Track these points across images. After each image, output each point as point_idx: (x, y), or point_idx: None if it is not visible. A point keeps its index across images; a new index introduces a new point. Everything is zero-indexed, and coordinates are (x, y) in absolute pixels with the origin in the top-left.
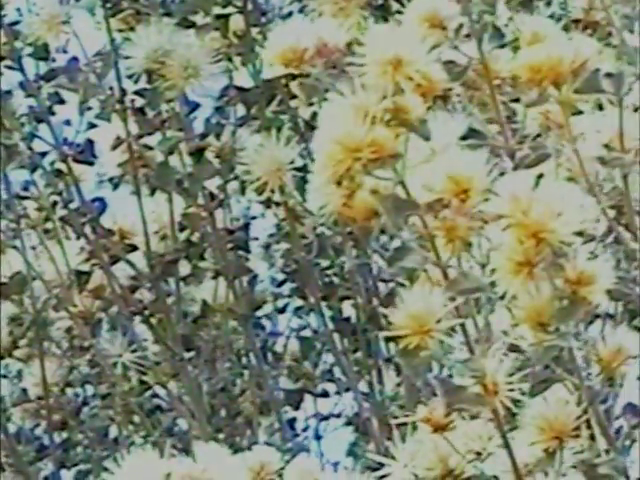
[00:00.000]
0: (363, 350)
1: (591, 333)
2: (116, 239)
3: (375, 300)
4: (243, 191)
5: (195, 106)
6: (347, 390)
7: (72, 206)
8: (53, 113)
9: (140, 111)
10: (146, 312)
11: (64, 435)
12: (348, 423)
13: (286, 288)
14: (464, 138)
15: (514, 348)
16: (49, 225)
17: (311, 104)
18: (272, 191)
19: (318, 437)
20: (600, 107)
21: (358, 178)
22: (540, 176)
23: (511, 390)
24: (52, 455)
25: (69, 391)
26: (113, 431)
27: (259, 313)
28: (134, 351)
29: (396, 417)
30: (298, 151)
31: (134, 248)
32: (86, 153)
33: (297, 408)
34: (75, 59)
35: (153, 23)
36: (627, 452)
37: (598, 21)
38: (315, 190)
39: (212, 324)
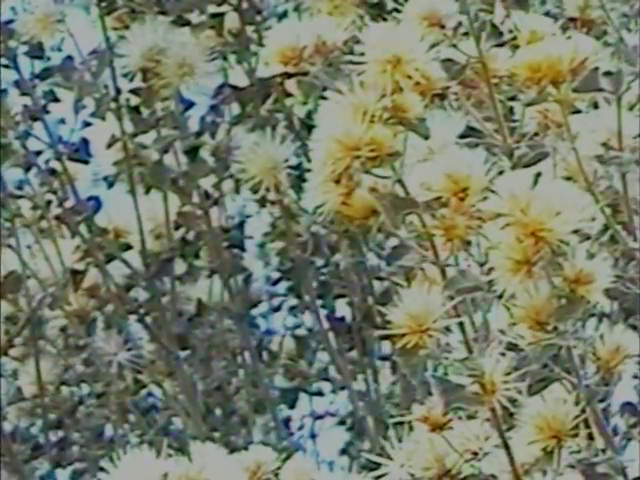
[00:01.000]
0: (358, 349)
1: (588, 332)
2: (111, 238)
3: (370, 299)
4: (238, 189)
5: (190, 104)
6: (342, 389)
7: (67, 205)
8: (48, 112)
9: (135, 109)
10: (141, 311)
11: (60, 434)
12: (342, 422)
13: (281, 287)
14: (462, 137)
15: (512, 347)
16: (44, 224)
17: (305, 102)
18: (267, 189)
19: (313, 436)
20: (595, 106)
21: (357, 176)
22: (538, 175)
23: (509, 389)
24: (47, 454)
25: (66, 390)
26: (109, 430)
27: (254, 312)
28: (129, 350)
29: (392, 416)
30: (293, 149)
31: (129, 247)
32: (81, 152)
33: (292, 407)
34: (70, 58)
35: (148, 21)
36: (625, 451)
37: (593, 19)
38: (313, 188)
39: (207, 323)
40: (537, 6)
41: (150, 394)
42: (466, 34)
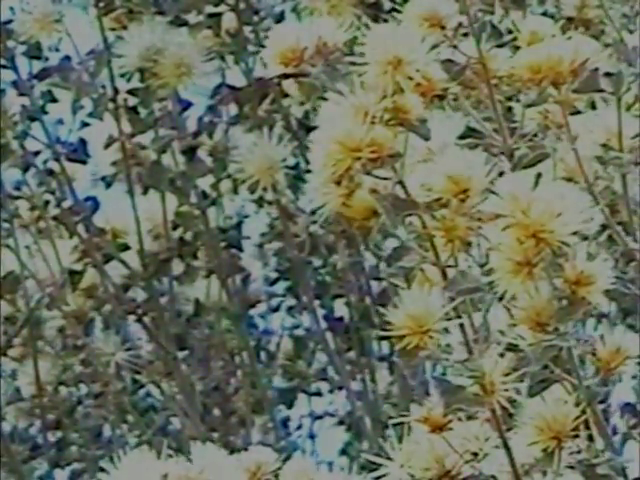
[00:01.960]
0: (356, 349)
1: (588, 333)
2: (109, 238)
3: (368, 298)
4: (236, 190)
5: (188, 104)
6: (340, 389)
7: (65, 205)
8: (46, 112)
9: (133, 110)
10: (139, 311)
11: (58, 434)
12: (341, 422)
13: (280, 287)
14: (462, 137)
15: (511, 348)
16: (42, 224)
17: (303, 103)
18: (264, 189)
19: (312, 436)
20: (593, 106)
21: (357, 178)
22: (539, 176)
23: (508, 390)
24: (46, 454)
25: (64, 390)
26: (107, 430)
27: (253, 312)
28: (127, 350)
29: (391, 417)
30: (290, 149)
31: (127, 247)
32: (79, 152)
33: (290, 407)
34: (67, 58)
35: (145, 22)
36: (625, 452)
37: (591, 19)
38: (314, 190)
39: (206, 323)
40: (535, 6)
41: (149, 394)
42: (466, 34)
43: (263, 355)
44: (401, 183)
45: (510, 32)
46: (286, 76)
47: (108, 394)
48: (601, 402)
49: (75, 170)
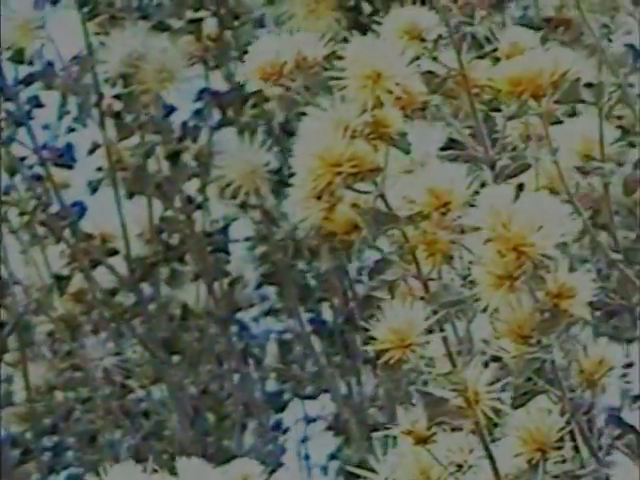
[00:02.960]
0: (341, 352)
1: (571, 342)
2: (96, 243)
3: (352, 302)
4: (222, 194)
5: (171, 109)
6: (325, 392)
7: (51, 210)
8: (32, 117)
9: (117, 115)
10: (127, 316)
11: (54, 439)
12: (330, 427)
13: (269, 291)
14: (443, 149)
15: (496, 358)
16: (30, 229)
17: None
18: (247, 194)
19: (304, 440)
20: (573, 114)
21: (338, 192)
22: (520, 188)
23: (492, 399)
24: (41, 459)
25: (59, 395)
26: (102, 435)
27: (242, 316)
28: (117, 354)
29: (376, 429)
30: (273, 154)
31: (115, 252)
32: (65, 157)
33: (281, 411)
34: (50, 64)
35: (128, 27)
36: (610, 462)
37: (570, 19)
38: (295, 204)
39: (194, 327)
40: (514, 8)
41: (141, 399)
42: (446, 45)
43: (252, 359)
44: (382, 197)
45: (489, 41)
46: None
47: (96, 399)
48: (585, 413)
49: (65, 176)
